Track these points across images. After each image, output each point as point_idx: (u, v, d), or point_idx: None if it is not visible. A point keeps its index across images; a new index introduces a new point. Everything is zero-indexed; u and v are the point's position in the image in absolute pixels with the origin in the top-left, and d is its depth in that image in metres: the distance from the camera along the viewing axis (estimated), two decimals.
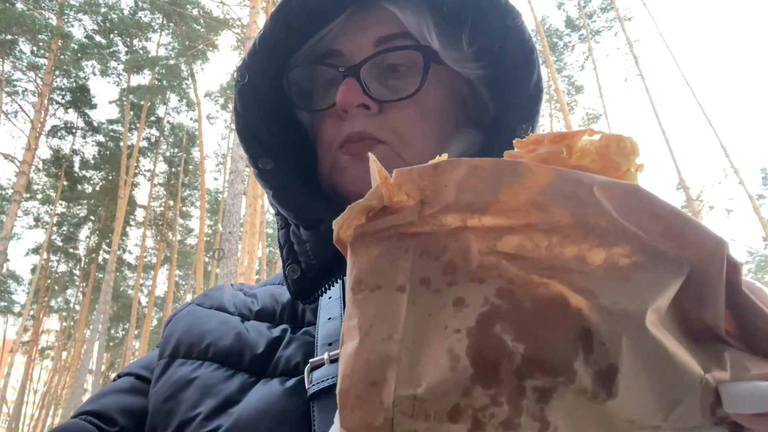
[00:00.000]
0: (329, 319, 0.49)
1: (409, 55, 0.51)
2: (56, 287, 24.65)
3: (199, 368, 0.47)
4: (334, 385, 0.40)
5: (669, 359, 0.18)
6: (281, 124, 0.56)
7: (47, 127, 19.19)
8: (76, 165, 21.36)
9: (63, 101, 19.70)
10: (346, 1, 0.52)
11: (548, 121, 24.28)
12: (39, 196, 20.86)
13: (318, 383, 0.41)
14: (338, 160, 0.51)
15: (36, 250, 22.41)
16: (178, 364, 0.49)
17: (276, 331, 0.50)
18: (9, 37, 16.24)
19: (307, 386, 0.42)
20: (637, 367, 0.18)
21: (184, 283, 27.20)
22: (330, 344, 0.45)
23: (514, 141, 0.24)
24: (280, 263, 0.56)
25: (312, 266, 0.50)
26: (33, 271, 22.11)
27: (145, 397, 0.49)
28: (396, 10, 0.51)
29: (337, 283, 0.50)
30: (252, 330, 0.50)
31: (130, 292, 24.10)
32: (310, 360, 0.43)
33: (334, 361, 0.42)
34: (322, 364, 0.42)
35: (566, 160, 0.22)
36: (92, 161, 21.71)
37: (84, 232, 23.48)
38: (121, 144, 19.94)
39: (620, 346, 0.18)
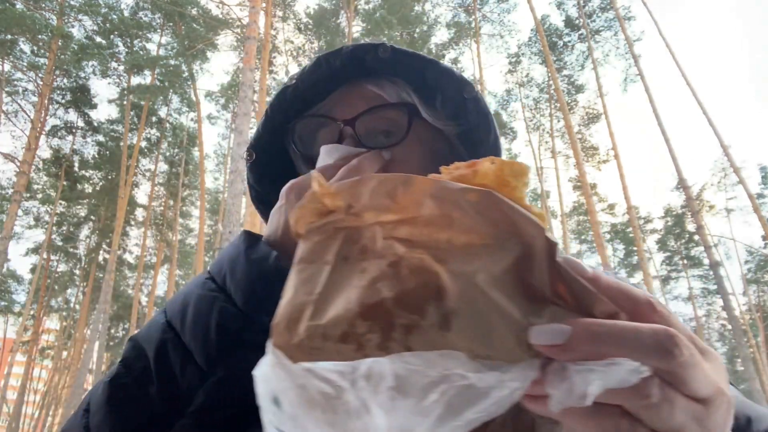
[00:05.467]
0: None
1: (393, 118, 0.63)
2: (56, 287, 24.64)
3: None
4: None
5: (493, 305, 0.26)
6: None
7: (47, 127, 19.21)
8: (76, 165, 21.36)
9: (63, 101, 19.70)
10: (333, 86, 0.67)
11: (548, 121, 24.28)
12: (39, 196, 20.87)
13: None
14: None
15: (36, 250, 22.41)
16: None
17: None
18: (9, 37, 16.24)
19: None
20: (468, 310, 0.26)
21: (184, 282, 27.13)
22: None
23: (440, 167, 0.32)
24: None
25: None
26: (33, 270, 22.14)
27: None
28: (376, 89, 0.64)
29: None
30: None
31: (130, 292, 24.11)
32: None
33: None
34: None
35: (472, 180, 0.30)
36: (92, 161, 21.71)
37: (84, 231, 23.51)
38: (121, 144, 19.95)
39: (458, 296, 0.26)
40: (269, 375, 0.27)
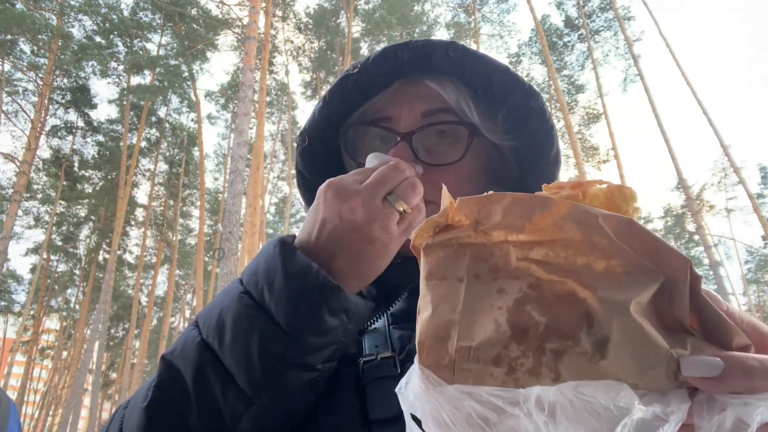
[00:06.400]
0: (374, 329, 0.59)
1: (451, 134, 0.62)
2: (56, 287, 24.63)
3: None
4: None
5: (645, 336, 0.25)
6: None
7: (47, 127, 19.19)
8: (76, 165, 21.34)
9: (63, 101, 19.68)
10: (393, 78, 0.65)
11: None
12: (39, 196, 20.85)
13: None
14: None
15: (36, 250, 22.40)
16: None
17: None
18: (9, 37, 16.23)
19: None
20: (622, 339, 0.25)
21: (184, 282, 27.20)
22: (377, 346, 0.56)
23: (542, 185, 0.32)
24: None
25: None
26: (33, 270, 22.12)
27: None
28: (438, 88, 0.62)
29: (381, 317, 0.60)
30: None
31: (130, 292, 24.10)
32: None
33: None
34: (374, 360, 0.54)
35: (581, 202, 0.29)
36: (92, 161, 21.70)
37: (84, 231, 23.49)
38: (121, 144, 19.94)
39: (612, 324, 0.26)
40: (420, 395, 0.26)
